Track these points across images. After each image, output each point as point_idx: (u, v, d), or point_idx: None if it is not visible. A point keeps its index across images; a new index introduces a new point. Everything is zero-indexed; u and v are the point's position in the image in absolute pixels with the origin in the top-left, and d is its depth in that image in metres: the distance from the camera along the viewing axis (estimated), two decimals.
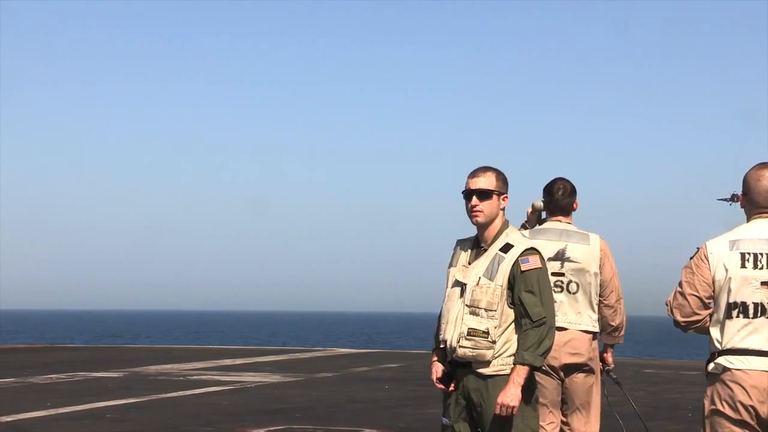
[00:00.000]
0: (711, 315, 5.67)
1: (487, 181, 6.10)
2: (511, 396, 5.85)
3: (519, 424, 5.96)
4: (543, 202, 8.01)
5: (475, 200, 6.09)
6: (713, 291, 5.64)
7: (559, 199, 7.88)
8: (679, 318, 5.70)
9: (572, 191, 7.90)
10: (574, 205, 7.92)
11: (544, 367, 7.09)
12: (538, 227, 8.05)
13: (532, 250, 6.04)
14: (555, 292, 7.57)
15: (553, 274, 7.55)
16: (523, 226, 8.15)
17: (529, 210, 8.13)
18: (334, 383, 19.11)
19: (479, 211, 6.08)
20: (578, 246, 7.69)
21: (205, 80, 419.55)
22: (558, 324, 7.04)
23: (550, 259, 7.73)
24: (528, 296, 5.94)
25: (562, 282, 7.66)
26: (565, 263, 7.69)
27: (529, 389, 6.00)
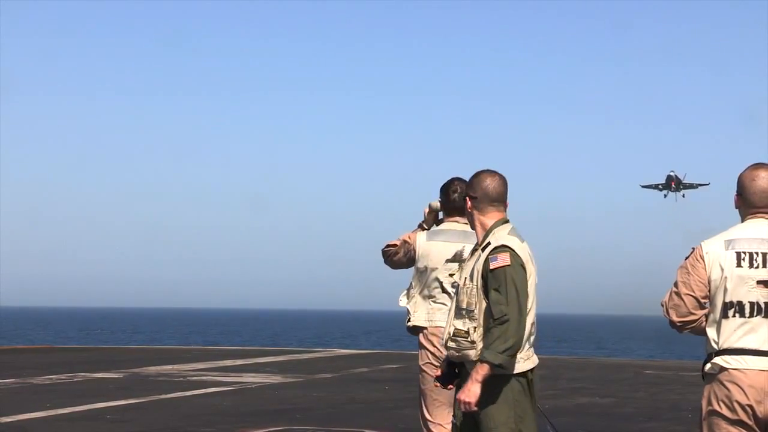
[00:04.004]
0: (707, 315, 5.70)
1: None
2: (467, 392, 5.90)
3: (512, 425, 5.98)
4: (440, 202, 8.09)
5: None
6: (709, 291, 5.66)
7: (455, 200, 8.00)
8: (675, 318, 5.72)
9: None
10: None
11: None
12: (435, 228, 8.14)
13: (503, 248, 6.04)
14: (453, 293, 7.76)
15: (451, 275, 7.76)
16: (420, 226, 8.23)
17: (426, 210, 8.20)
18: (334, 384, 19.10)
19: None
20: None
21: (205, 80, 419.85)
22: None
23: (448, 261, 7.93)
24: (494, 294, 5.96)
25: None
26: (463, 264, 7.80)
27: (521, 391, 6.01)
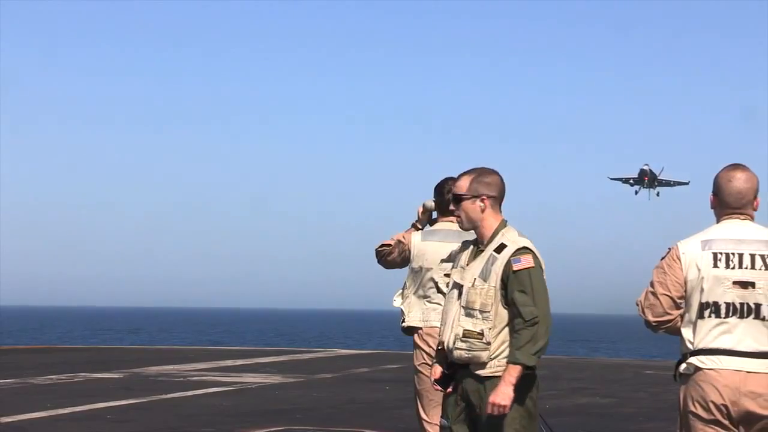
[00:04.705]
0: (682, 315, 5.71)
1: (460, 186, 6.22)
2: (502, 395, 5.88)
3: (517, 426, 5.98)
4: (434, 201, 8.07)
5: (452, 205, 6.29)
6: (685, 291, 5.68)
7: (450, 200, 7.94)
8: (651, 318, 5.73)
9: None
10: None
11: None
12: (429, 228, 8.11)
13: (525, 250, 6.05)
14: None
15: (447, 275, 7.71)
16: (414, 226, 8.20)
17: (420, 209, 8.17)
18: (334, 384, 19.13)
19: (457, 215, 6.25)
20: None
21: (207, 79, 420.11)
22: None
23: (443, 261, 7.86)
24: (520, 296, 5.96)
25: None
26: None
27: (529, 391, 6.03)
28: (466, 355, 6.01)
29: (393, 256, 8.12)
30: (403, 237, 8.12)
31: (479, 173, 6.20)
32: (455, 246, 7.85)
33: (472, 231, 6.22)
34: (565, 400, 16.34)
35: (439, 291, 7.93)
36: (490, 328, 5.98)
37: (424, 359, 7.94)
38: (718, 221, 5.80)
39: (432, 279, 7.97)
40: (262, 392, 17.15)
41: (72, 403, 14.66)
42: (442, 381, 6.18)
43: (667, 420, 14.26)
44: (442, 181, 8.05)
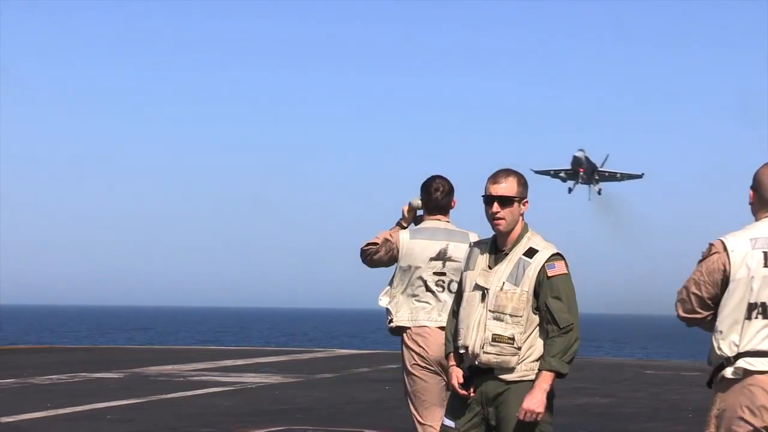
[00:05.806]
0: (726, 316, 5.49)
1: (508, 187, 6.07)
2: (537, 402, 5.88)
3: (543, 428, 6.01)
4: (421, 200, 8.04)
5: (496, 207, 6.06)
6: (728, 290, 5.48)
7: (438, 198, 7.92)
8: (681, 313, 5.63)
9: (450, 190, 7.96)
10: (452, 203, 7.98)
11: (430, 366, 7.29)
12: (415, 226, 8.07)
13: (558, 256, 6.02)
14: (437, 291, 7.73)
15: (435, 273, 7.70)
16: (400, 224, 8.14)
17: (406, 208, 8.12)
18: (334, 384, 19.11)
19: (501, 218, 6.05)
20: (460, 245, 7.73)
21: (206, 77, 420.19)
22: (443, 323, 7.24)
23: (432, 259, 7.81)
24: (555, 302, 5.92)
25: (444, 281, 7.78)
26: (447, 262, 7.79)
27: (553, 396, 6.04)
28: (495, 360, 5.97)
29: (380, 255, 8.03)
30: (390, 235, 8.02)
31: (519, 175, 6.13)
32: (443, 244, 7.80)
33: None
34: (565, 400, 16.30)
35: (428, 290, 7.86)
36: (521, 333, 5.95)
37: (415, 360, 7.86)
38: (757, 218, 5.63)
39: (421, 278, 7.85)
40: (262, 392, 17.13)
41: (72, 403, 14.65)
42: (465, 384, 6.12)
43: (667, 420, 14.26)
44: (429, 179, 7.97)
